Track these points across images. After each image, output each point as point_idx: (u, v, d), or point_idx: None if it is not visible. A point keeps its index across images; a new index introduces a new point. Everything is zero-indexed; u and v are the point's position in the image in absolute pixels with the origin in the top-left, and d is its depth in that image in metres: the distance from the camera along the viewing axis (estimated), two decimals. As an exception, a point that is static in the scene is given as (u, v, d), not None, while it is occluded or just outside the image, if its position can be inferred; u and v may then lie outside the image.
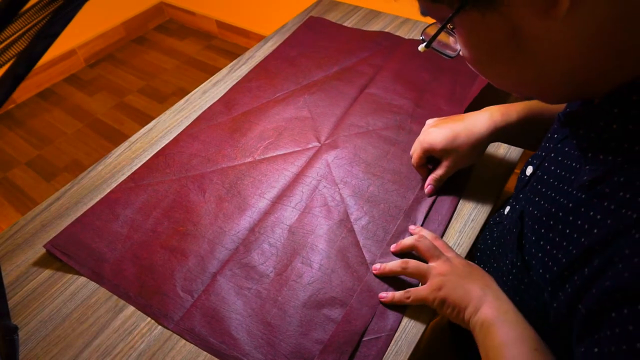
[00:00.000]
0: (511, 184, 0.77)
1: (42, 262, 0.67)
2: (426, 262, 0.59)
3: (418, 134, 0.78)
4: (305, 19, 1.12)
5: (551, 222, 0.44)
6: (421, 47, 0.46)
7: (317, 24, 1.09)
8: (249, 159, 0.79)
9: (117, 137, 2.00)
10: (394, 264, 0.60)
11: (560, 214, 0.42)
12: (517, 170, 0.81)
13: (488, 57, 0.41)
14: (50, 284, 0.65)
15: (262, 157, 0.79)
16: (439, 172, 0.69)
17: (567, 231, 0.41)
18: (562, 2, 0.33)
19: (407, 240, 0.62)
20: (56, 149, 1.97)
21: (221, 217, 0.70)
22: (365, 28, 1.08)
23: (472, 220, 0.68)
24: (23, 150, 1.98)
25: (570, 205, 0.41)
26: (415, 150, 0.70)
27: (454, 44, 0.47)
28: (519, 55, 0.38)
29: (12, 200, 1.78)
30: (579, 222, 0.39)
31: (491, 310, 0.50)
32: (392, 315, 0.58)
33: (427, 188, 0.70)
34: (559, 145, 0.49)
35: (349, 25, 1.09)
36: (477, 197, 0.71)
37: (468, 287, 0.53)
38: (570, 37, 0.35)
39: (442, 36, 0.43)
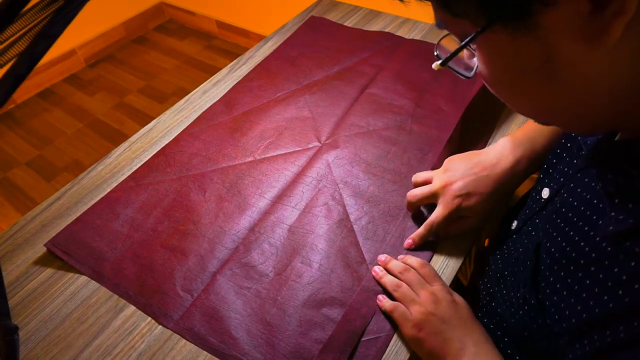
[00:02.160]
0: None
1: (42, 262, 0.67)
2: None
3: (418, 133, 0.79)
4: (305, 19, 1.12)
5: (571, 268, 0.40)
6: (435, 65, 0.40)
7: (318, 23, 1.09)
8: (250, 159, 0.79)
9: (117, 137, 2.00)
10: (389, 282, 0.59)
11: (582, 261, 0.39)
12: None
13: (512, 82, 0.36)
14: (50, 284, 0.65)
15: (263, 156, 0.79)
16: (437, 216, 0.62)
17: (588, 282, 0.37)
18: (613, 31, 0.29)
19: (393, 267, 0.60)
20: (56, 149, 1.98)
21: (221, 217, 0.70)
22: (365, 28, 1.08)
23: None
24: (23, 150, 1.98)
25: (594, 255, 0.38)
26: (424, 189, 0.65)
27: (468, 58, 0.42)
28: (550, 84, 0.34)
29: (12, 200, 1.78)
30: (601, 276, 0.36)
31: None
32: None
33: (407, 243, 0.64)
34: (579, 175, 0.45)
35: (349, 25, 1.09)
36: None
37: (447, 336, 0.51)
38: (614, 68, 0.32)
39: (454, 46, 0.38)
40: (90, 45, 2.39)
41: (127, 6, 2.51)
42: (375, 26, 1.08)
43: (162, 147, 0.82)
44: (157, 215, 0.71)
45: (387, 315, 0.58)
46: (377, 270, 0.61)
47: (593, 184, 0.42)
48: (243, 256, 0.65)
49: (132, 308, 0.61)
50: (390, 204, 0.70)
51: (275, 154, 0.80)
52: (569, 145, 0.52)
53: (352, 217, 0.69)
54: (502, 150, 0.63)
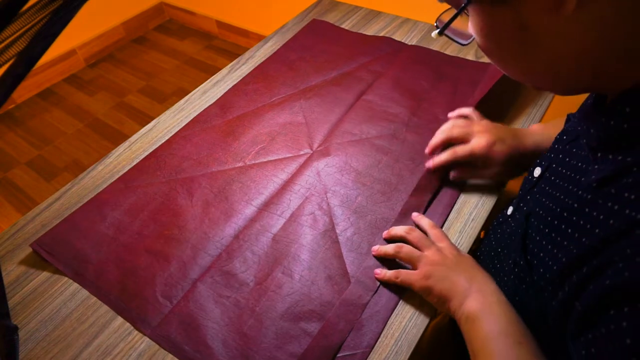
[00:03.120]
0: (513, 185, 0.78)
1: (42, 262, 0.67)
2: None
3: (412, 143, 0.79)
4: (305, 19, 1.12)
5: (555, 222, 0.44)
6: (434, 34, 0.47)
7: (319, 27, 1.09)
8: (240, 164, 0.78)
9: (117, 137, 2.00)
10: (389, 247, 0.62)
11: (565, 214, 0.43)
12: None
13: (497, 47, 0.41)
14: (50, 284, 0.65)
15: (253, 162, 0.78)
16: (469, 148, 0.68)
17: (569, 231, 0.41)
18: (569, 1, 0.33)
19: (397, 231, 0.63)
20: (56, 149, 1.98)
21: (207, 223, 0.70)
22: (365, 28, 1.08)
23: (473, 220, 0.68)
24: (23, 150, 1.98)
25: (575, 205, 0.41)
26: (443, 133, 0.70)
27: (468, 31, 0.48)
28: (527, 48, 0.39)
29: (12, 200, 1.78)
30: (582, 222, 0.40)
31: (476, 304, 0.51)
32: (369, 332, 0.57)
33: (428, 164, 0.70)
34: (567, 147, 0.49)
35: (349, 25, 1.09)
36: (477, 196, 0.71)
37: (454, 279, 0.54)
38: (577, 33, 0.36)
39: (457, 23, 0.44)
40: (90, 45, 2.39)
41: (127, 6, 2.51)
42: (375, 26, 1.08)
43: (154, 150, 0.82)
44: (143, 219, 0.71)
45: (365, 332, 0.57)
46: (375, 246, 0.63)
47: (580, 152, 0.46)
48: (225, 264, 0.64)
49: (132, 308, 0.61)
50: (378, 215, 0.69)
51: (265, 160, 0.79)
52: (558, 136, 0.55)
53: (337, 228, 0.68)
54: (534, 129, 0.69)
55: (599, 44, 0.36)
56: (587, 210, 0.40)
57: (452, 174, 0.71)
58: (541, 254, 0.45)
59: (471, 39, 0.46)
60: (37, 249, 0.67)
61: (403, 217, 0.68)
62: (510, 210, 0.60)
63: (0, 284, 0.40)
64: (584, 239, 0.38)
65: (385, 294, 0.60)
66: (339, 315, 0.58)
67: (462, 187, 0.72)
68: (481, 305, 0.51)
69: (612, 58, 0.37)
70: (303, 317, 0.59)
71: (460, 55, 0.97)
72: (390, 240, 0.64)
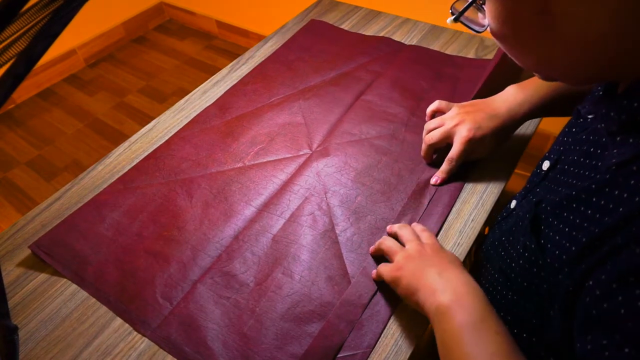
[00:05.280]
0: (513, 185, 0.78)
1: (42, 263, 0.67)
2: None
3: (411, 143, 0.79)
4: (305, 19, 1.12)
5: (573, 205, 0.42)
6: (449, 20, 0.46)
7: (318, 27, 1.09)
8: (239, 165, 0.78)
9: (117, 137, 2.00)
10: (376, 243, 0.63)
11: (583, 195, 0.42)
12: (517, 171, 0.81)
13: (515, 33, 0.41)
14: (50, 284, 0.65)
15: (252, 162, 0.78)
16: (453, 154, 0.70)
17: (589, 212, 0.40)
18: None
19: (393, 227, 0.65)
20: (56, 149, 1.98)
21: (206, 223, 0.70)
22: (365, 28, 1.08)
23: (472, 220, 0.68)
24: (23, 150, 1.98)
25: (594, 186, 0.41)
26: (437, 133, 0.72)
27: (481, 19, 0.47)
28: (546, 33, 0.38)
29: (12, 200, 1.78)
30: (603, 202, 0.39)
31: (446, 296, 0.49)
32: (369, 332, 0.57)
33: (434, 180, 0.72)
34: (578, 136, 0.49)
35: (349, 25, 1.09)
36: (477, 196, 0.71)
37: (424, 271, 0.53)
38: (602, 19, 0.35)
39: (470, 12, 0.44)
40: (90, 45, 2.39)
41: (127, 6, 2.51)
42: (375, 26, 1.08)
43: (153, 151, 0.82)
44: (142, 220, 0.71)
45: (365, 332, 0.57)
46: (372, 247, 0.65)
47: (595, 138, 0.45)
48: (225, 265, 0.64)
49: (132, 308, 0.61)
50: (377, 215, 0.69)
51: (264, 160, 0.79)
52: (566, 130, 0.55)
53: (337, 229, 0.68)
54: (507, 96, 0.70)
55: (622, 30, 0.35)
56: (607, 190, 0.39)
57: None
58: (557, 237, 0.44)
59: (486, 27, 0.46)
60: (36, 250, 0.67)
61: (402, 217, 0.68)
62: (513, 203, 0.60)
63: (0, 284, 0.40)
64: (606, 218, 0.37)
65: (385, 293, 0.60)
66: (339, 315, 0.58)
67: (462, 187, 0.72)
68: (452, 296, 0.49)
69: (633, 44, 0.36)
70: (303, 317, 0.58)
71: (462, 54, 0.97)
72: (392, 235, 0.65)
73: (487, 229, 0.84)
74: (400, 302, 0.59)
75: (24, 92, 2.21)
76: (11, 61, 0.30)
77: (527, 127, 0.79)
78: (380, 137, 0.81)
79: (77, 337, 0.59)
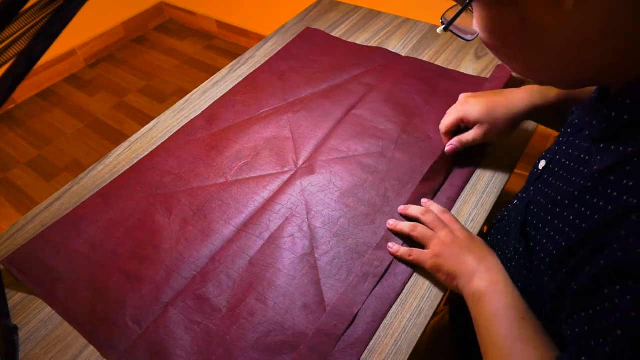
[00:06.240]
0: (513, 185, 0.78)
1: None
2: None
3: (400, 162, 0.76)
4: (305, 18, 1.12)
5: (557, 210, 0.45)
6: (439, 30, 0.47)
7: (312, 35, 1.06)
8: (221, 180, 0.76)
9: (117, 137, 2.00)
10: (406, 225, 0.64)
11: (566, 201, 0.44)
12: (517, 171, 0.81)
13: (501, 43, 0.42)
14: (50, 284, 0.65)
15: (235, 178, 0.76)
16: (467, 137, 0.71)
17: (571, 217, 0.42)
18: None
19: (413, 211, 0.66)
20: (56, 149, 1.98)
21: (183, 242, 0.67)
22: (365, 28, 1.08)
23: (472, 220, 0.68)
24: (23, 150, 1.98)
25: (576, 193, 0.42)
26: (449, 115, 0.72)
27: (474, 26, 0.48)
28: (529, 43, 0.40)
29: (12, 200, 1.78)
30: (582, 208, 0.41)
31: (483, 282, 0.53)
32: None
33: (449, 147, 0.72)
34: (571, 139, 0.50)
35: (349, 25, 1.09)
36: (477, 196, 0.71)
37: (464, 258, 0.57)
38: (579, 27, 0.36)
39: (462, 20, 0.45)
40: (90, 45, 2.39)
41: (126, 6, 2.51)
42: (375, 26, 1.08)
43: (136, 163, 0.80)
44: (118, 236, 0.69)
45: None
46: (392, 221, 0.66)
47: (583, 144, 0.47)
48: (199, 287, 0.62)
49: (132, 308, 0.61)
50: (359, 239, 0.66)
51: (248, 176, 0.76)
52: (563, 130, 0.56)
53: (317, 252, 0.65)
54: (517, 95, 0.69)
55: (600, 38, 0.36)
56: (587, 197, 0.40)
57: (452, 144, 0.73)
58: (544, 240, 0.46)
59: (475, 35, 0.47)
60: (8, 267, 0.65)
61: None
62: (515, 202, 0.61)
63: (0, 284, 0.40)
64: (583, 225, 0.39)
65: (361, 325, 0.57)
66: (311, 347, 0.55)
67: (462, 187, 0.72)
68: (488, 283, 0.53)
69: (614, 51, 0.37)
70: (274, 348, 0.56)
71: (462, 54, 0.97)
72: (404, 217, 0.67)
73: (485, 228, 0.84)
74: (399, 302, 0.59)
75: (24, 92, 2.21)
76: (11, 61, 0.30)
77: (527, 127, 0.79)
78: (368, 155, 0.78)
79: (77, 337, 0.59)
